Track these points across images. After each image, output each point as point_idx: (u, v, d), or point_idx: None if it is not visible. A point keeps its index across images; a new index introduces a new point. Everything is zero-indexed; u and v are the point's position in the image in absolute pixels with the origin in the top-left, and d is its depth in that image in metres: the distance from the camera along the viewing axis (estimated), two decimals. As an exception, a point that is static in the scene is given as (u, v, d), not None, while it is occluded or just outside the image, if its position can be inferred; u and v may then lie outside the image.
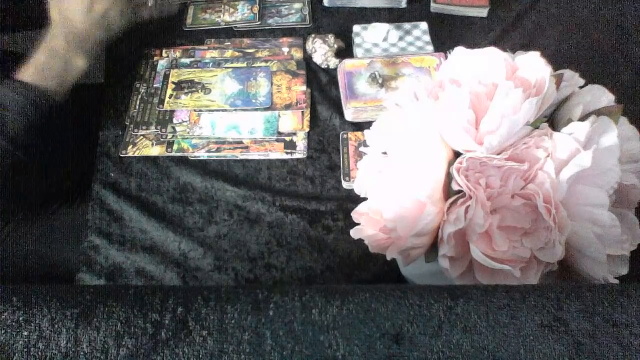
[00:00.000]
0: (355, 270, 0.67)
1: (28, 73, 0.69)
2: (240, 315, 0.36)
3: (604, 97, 0.52)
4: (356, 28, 0.90)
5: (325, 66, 0.86)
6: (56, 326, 0.35)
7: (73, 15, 0.70)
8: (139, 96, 0.82)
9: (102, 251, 0.68)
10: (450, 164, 0.50)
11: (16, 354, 0.34)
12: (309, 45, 0.86)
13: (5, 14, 0.81)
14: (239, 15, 0.93)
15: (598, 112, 0.50)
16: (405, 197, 0.49)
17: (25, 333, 0.35)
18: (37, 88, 0.68)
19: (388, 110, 0.58)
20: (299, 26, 0.93)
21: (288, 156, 0.76)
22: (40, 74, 0.69)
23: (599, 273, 0.47)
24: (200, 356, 0.34)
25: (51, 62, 0.70)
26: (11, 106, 0.65)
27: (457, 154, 0.51)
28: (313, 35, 0.87)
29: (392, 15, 0.93)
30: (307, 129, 0.78)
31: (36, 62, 0.70)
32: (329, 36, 0.87)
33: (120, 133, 0.78)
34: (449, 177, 0.50)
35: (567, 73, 0.56)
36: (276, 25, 0.93)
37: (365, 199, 0.57)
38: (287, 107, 0.80)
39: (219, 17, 0.93)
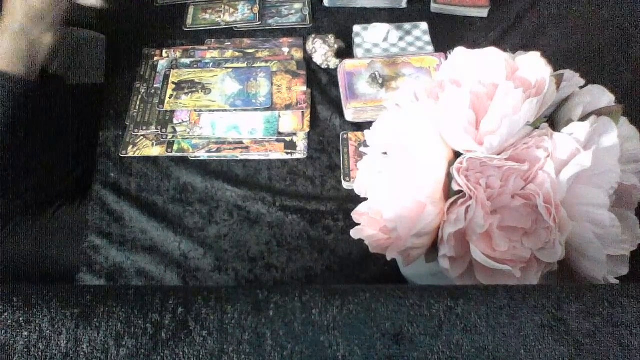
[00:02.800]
0: (355, 270, 0.67)
1: None
2: (240, 315, 0.36)
3: (604, 97, 0.52)
4: (356, 28, 0.90)
5: (325, 66, 0.86)
6: (56, 326, 0.35)
7: None
8: (139, 96, 0.82)
9: (102, 251, 0.68)
10: (450, 164, 0.50)
11: (16, 354, 0.34)
12: (309, 45, 0.86)
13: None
14: (239, 15, 0.93)
15: (598, 112, 0.50)
16: (405, 197, 0.49)
17: (25, 333, 0.35)
18: (6, 74, 0.65)
19: (388, 110, 0.58)
20: (299, 26, 0.93)
21: (288, 156, 0.76)
22: (6, 59, 0.66)
23: (599, 273, 0.47)
24: (200, 356, 0.34)
25: (15, 44, 0.66)
26: None
27: (457, 154, 0.51)
28: (313, 35, 0.87)
29: (392, 15, 0.93)
30: (307, 129, 0.78)
31: (0, 48, 0.66)
32: (329, 36, 0.87)
33: (120, 133, 0.78)
34: (449, 177, 0.50)
35: (567, 73, 0.56)
36: (276, 25, 0.92)
37: (365, 199, 0.57)
38: (287, 107, 0.80)
39: (219, 17, 0.93)
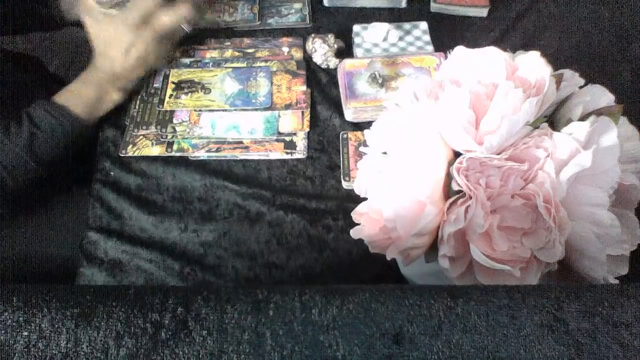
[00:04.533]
0: (355, 270, 0.67)
1: (64, 97, 0.72)
2: (240, 315, 0.36)
3: (604, 97, 0.52)
4: (356, 28, 0.90)
5: (325, 66, 0.86)
6: (56, 326, 0.35)
7: (114, 55, 0.73)
8: (139, 96, 0.82)
9: (102, 249, 0.68)
10: (450, 164, 0.50)
11: (16, 354, 0.34)
12: (309, 45, 0.86)
13: (7, 16, 0.82)
14: (239, 15, 0.93)
15: (598, 112, 0.50)
16: (405, 197, 0.49)
17: (25, 333, 0.35)
18: (69, 113, 0.71)
19: (388, 110, 0.59)
20: (299, 26, 0.92)
21: (288, 156, 0.76)
22: (74, 100, 0.72)
23: (599, 273, 0.47)
24: (200, 356, 0.34)
25: (87, 92, 0.74)
26: (43, 126, 0.69)
27: (457, 154, 0.51)
28: (313, 35, 0.87)
29: (392, 15, 0.93)
30: (307, 129, 0.78)
31: (73, 89, 0.74)
32: (329, 36, 0.87)
33: (120, 133, 0.78)
34: (449, 177, 0.50)
35: (567, 73, 0.56)
36: (276, 25, 0.92)
37: (365, 199, 0.57)
38: (287, 107, 0.80)
39: (219, 17, 0.93)
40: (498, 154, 0.49)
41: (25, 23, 0.85)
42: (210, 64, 0.85)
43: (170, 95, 0.81)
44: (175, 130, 0.77)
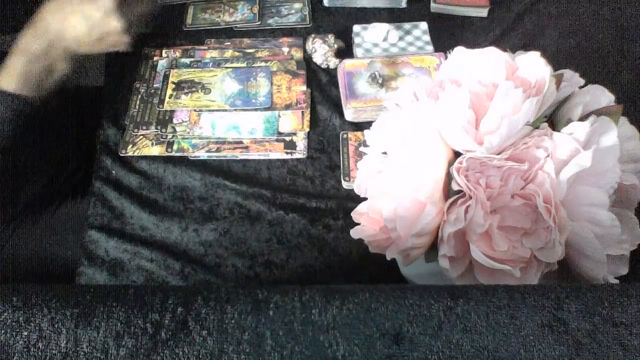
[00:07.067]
0: (355, 270, 0.67)
1: (6, 80, 0.65)
2: (240, 315, 0.36)
3: (604, 97, 0.52)
4: (356, 28, 0.90)
5: (325, 66, 0.86)
6: (56, 326, 0.35)
7: (70, 33, 0.66)
8: (139, 96, 0.82)
9: (102, 247, 0.68)
10: (450, 164, 0.50)
11: (16, 354, 0.34)
12: (309, 45, 0.86)
13: (7, 16, 0.82)
14: (239, 15, 0.93)
15: (598, 112, 0.50)
16: (405, 197, 0.49)
17: (25, 333, 0.35)
18: (18, 96, 0.64)
19: (388, 110, 0.59)
20: (299, 26, 0.92)
21: (288, 156, 0.76)
22: (19, 80, 0.65)
23: (599, 273, 0.47)
24: (200, 356, 0.34)
25: (31, 67, 0.66)
26: None
27: (457, 154, 0.51)
28: (313, 35, 0.87)
29: (392, 15, 0.93)
30: (307, 129, 0.78)
31: (13, 68, 0.66)
32: (329, 36, 0.87)
33: (121, 133, 0.79)
34: (449, 177, 0.50)
35: (567, 73, 0.56)
36: (276, 25, 0.92)
37: (365, 199, 0.57)
38: (287, 107, 0.80)
39: (219, 17, 0.93)
40: (498, 154, 0.49)
41: (25, 23, 0.85)
42: (210, 64, 0.85)
43: (170, 95, 0.81)
44: (175, 130, 0.77)
